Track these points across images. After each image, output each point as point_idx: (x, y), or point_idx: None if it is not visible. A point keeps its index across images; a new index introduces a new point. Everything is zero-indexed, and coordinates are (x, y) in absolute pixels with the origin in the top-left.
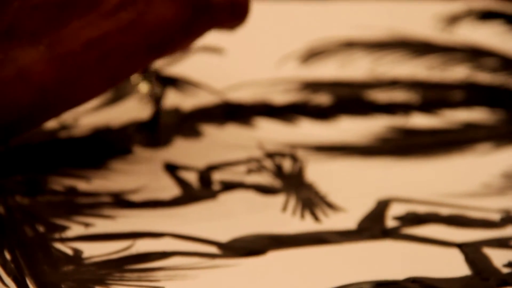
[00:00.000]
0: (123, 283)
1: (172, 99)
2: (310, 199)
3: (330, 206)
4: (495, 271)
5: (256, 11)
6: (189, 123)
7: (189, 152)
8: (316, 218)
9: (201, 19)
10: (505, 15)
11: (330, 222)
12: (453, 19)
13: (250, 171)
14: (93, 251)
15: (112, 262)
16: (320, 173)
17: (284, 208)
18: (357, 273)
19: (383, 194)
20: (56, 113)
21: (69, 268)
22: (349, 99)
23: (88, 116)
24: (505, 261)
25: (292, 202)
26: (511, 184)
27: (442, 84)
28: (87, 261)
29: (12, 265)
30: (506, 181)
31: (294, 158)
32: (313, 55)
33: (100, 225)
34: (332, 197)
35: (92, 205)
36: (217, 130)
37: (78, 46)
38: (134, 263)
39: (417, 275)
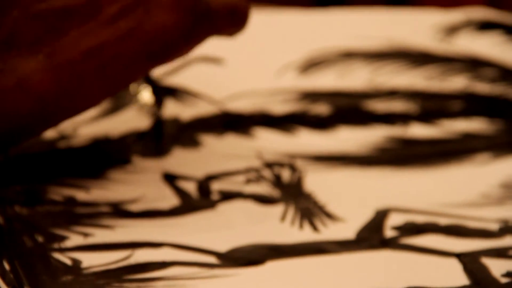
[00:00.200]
0: None
1: (171, 109)
2: (309, 209)
3: (329, 216)
4: (494, 281)
5: (255, 21)
6: (188, 133)
7: (188, 162)
8: (315, 228)
9: (201, 27)
10: (504, 26)
11: (329, 232)
12: (452, 30)
13: (249, 181)
14: (92, 261)
15: (111, 272)
16: (319, 183)
17: (283, 218)
18: (356, 283)
19: (381, 204)
20: (56, 122)
21: (68, 278)
22: (348, 109)
23: (87, 126)
24: (504, 271)
25: (291, 212)
26: (509, 194)
27: (441, 94)
28: (86, 271)
29: (11, 276)
30: (504, 191)
31: (293, 168)
32: (312, 65)
33: (99, 235)
34: (331, 207)
35: (91, 215)
36: (216, 140)
37: (77, 55)
38: (133, 273)
39: (416, 285)
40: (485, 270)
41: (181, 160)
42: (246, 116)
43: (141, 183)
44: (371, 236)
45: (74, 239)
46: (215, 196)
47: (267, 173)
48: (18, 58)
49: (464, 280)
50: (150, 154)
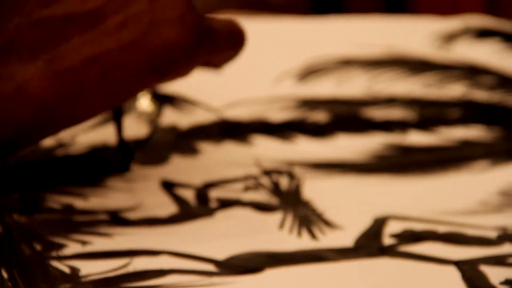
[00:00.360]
0: None
1: (170, 116)
2: (307, 217)
3: (327, 223)
4: None
5: (253, 29)
6: (186, 141)
7: (186, 170)
8: (313, 236)
9: (203, 45)
10: (502, 33)
11: (327, 239)
12: (450, 37)
13: (247, 189)
14: (90, 269)
15: (109, 280)
16: (317, 190)
17: (281, 225)
18: None
19: (380, 211)
20: (55, 130)
21: (66, 286)
22: (346, 117)
23: (86, 134)
24: (502, 278)
25: (289, 219)
26: (508, 201)
27: (439, 101)
28: (84, 279)
29: (10, 284)
30: (503, 199)
31: (291, 176)
32: (310, 72)
33: (97, 243)
34: (329, 215)
35: (89, 223)
36: (214, 147)
37: (77, 62)
38: (131, 281)
39: None
40: (483, 278)
41: (179, 168)
42: (244, 124)
43: (139, 191)
44: (370, 244)
45: (72, 247)
46: (213, 204)
47: (265, 180)
48: (18, 64)
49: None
50: (148, 162)
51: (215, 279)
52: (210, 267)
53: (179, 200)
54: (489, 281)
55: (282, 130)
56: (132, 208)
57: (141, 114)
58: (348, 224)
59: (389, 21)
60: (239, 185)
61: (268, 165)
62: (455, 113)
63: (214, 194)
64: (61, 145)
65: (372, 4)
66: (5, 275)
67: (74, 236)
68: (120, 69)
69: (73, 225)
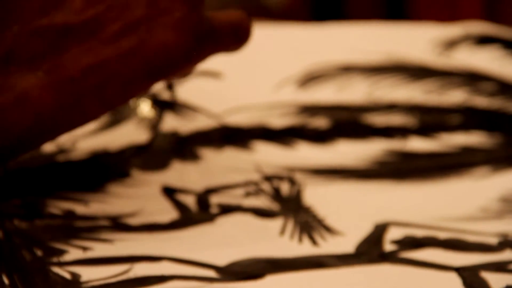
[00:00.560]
0: None
1: (171, 122)
2: (308, 223)
3: (328, 229)
4: None
5: (254, 35)
6: (187, 147)
7: (187, 175)
8: (314, 242)
9: (204, 45)
10: (502, 40)
11: (328, 246)
12: (451, 44)
13: (248, 194)
14: (91, 275)
15: (110, 286)
16: (318, 196)
17: (282, 231)
18: None
19: (381, 217)
20: (54, 136)
21: None
22: (347, 123)
23: (86, 140)
24: (503, 285)
25: (290, 225)
26: (508, 208)
27: (440, 108)
28: (85, 285)
29: None
30: (503, 205)
31: (292, 181)
32: (311, 79)
33: (98, 249)
34: (330, 221)
35: (90, 229)
36: (215, 153)
37: (76, 72)
38: (132, 287)
39: None
40: (484, 284)
41: (180, 174)
42: (245, 130)
43: (140, 197)
44: (371, 250)
45: (73, 253)
46: (214, 210)
47: (266, 186)
48: (18, 74)
49: None
50: (149, 168)
51: (216, 285)
52: (211, 273)
53: (180, 206)
54: None
55: (283, 136)
56: (133, 214)
57: (142, 120)
58: (349, 230)
59: (389, 28)
60: (240, 191)
61: (269, 171)
62: (455, 119)
63: (215, 199)
64: (62, 150)
65: (372, 10)
66: (6, 281)
67: (75, 242)
68: (118, 77)
69: (74, 231)
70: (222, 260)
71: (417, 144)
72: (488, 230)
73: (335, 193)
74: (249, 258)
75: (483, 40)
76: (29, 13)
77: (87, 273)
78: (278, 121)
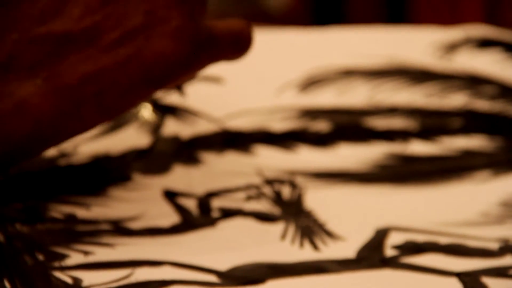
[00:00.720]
0: None
1: (172, 127)
2: (309, 227)
3: (329, 234)
4: None
5: (255, 40)
6: (188, 151)
7: (189, 179)
8: (315, 247)
9: (203, 54)
10: (503, 43)
11: (329, 250)
12: (452, 47)
13: (249, 198)
14: (92, 279)
15: None
16: (319, 200)
17: (283, 236)
18: None
19: (382, 222)
20: (53, 143)
21: None
22: (348, 126)
23: (88, 144)
24: None
25: (291, 230)
26: (509, 212)
27: (441, 111)
28: None
29: None
30: (504, 210)
31: (293, 185)
32: (312, 83)
33: (100, 253)
34: (331, 225)
35: (92, 233)
36: (216, 157)
37: (75, 80)
38: None
39: None
40: None
41: (181, 177)
42: (246, 134)
43: (142, 201)
44: (371, 255)
45: (75, 257)
46: (215, 213)
47: (267, 190)
48: (16, 81)
49: None
50: (150, 171)
51: None
52: (212, 278)
53: (181, 210)
54: None
55: (284, 140)
56: (134, 218)
57: (143, 124)
58: (350, 235)
59: (390, 31)
60: (241, 195)
61: (270, 174)
62: (456, 122)
63: (216, 203)
64: (63, 154)
65: (373, 14)
66: (7, 285)
67: (76, 246)
68: (117, 86)
69: (75, 235)
70: (223, 264)
71: (418, 147)
72: (489, 235)
73: (336, 197)
74: (250, 263)
75: (484, 44)
76: (28, 21)
77: (89, 278)
78: (279, 125)
